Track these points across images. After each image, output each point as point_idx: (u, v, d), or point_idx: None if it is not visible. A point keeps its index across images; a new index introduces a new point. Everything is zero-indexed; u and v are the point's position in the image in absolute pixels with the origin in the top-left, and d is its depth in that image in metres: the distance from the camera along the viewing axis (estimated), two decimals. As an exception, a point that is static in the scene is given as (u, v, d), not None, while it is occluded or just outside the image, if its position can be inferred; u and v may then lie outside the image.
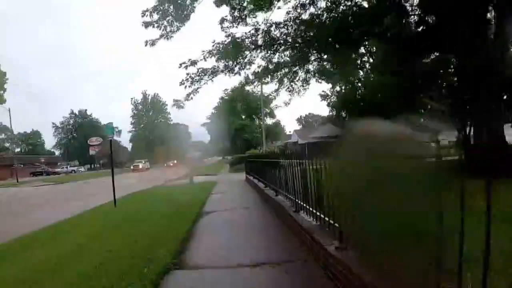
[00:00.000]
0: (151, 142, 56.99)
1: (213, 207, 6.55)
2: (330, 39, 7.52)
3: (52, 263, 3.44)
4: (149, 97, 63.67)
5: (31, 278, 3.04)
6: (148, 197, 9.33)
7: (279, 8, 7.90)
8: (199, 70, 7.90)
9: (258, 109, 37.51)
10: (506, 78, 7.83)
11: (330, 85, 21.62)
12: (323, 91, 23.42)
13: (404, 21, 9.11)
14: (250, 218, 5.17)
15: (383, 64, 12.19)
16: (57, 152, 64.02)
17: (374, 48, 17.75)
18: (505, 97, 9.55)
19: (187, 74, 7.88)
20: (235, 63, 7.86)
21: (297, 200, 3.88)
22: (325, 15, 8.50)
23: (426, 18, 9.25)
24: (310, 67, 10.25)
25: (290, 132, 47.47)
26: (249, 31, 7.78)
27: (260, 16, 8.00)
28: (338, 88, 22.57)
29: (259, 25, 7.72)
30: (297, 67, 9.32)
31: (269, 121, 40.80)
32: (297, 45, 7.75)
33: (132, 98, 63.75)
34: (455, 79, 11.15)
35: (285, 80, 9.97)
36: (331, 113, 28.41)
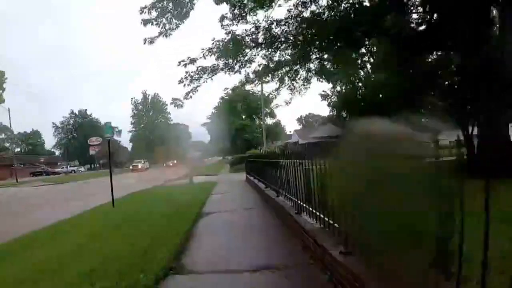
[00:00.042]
0: (151, 142, 56.95)
1: (213, 208, 6.49)
2: (331, 38, 7.47)
3: (50, 264, 3.40)
4: (149, 97, 63.65)
5: (30, 278, 3.00)
6: (147, 198, 9.27)
7: (279, 6, 7.86)
8: (199, 69, 7.85)
9: (258, 109, 37.47)
10: (507, 78, 7.77)
11: (330, 85, 21.58)
12: (323, 91, 23.38)
13: (405, 20, 9.06)
14: (250, 219, 5.11)
15: (384, 64, 12.14)
16: (57, 152, 64.01)
17: (375, 48, 17.78)
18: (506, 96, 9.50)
19: (186, 72, 7.85)
20: (235, 61, 7.80)
21: (298, 202, 3.83)
22: (326, 13, 8.45)
23: (427, 17, 9.20)
24: (312, 66, 10.21)
25: (290, 132, 47.47)
26: (250, 29, 7.76)
27: (261, 14, 7.97)
28: (338, 88, 22.54)
29: (260, 23, 7.70)
30: (298, 66, 9.25)
31: (269, 121, 40.77)
32: (298, 43, 7.69)
33: (132, 98, 63.79)
34: (457, 78, 11.09)
35: (286, 79, 9.91)
36: (331, 113, 28.40)
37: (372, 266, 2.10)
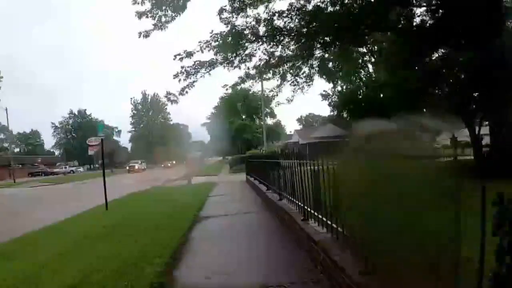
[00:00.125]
0: (150, 142, 56.52)
1: (211, 212, 6.08)
2: (335, 32, 7.06)
3: (20, 280, 2.95)
4: (149, 97, 63.25)
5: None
6: (142, 200, 8.84)
7: (281, -1, 7.41)
8: (196, 63, 7.41)
9: (258, 109, 37.12)
10: None
11: (331, 85, 21.28)
12: (324, 91, 23.05)
13: (412, 13, 8.68)
14: (251, 226, 4.68)
15: (388, 61, 11.73)
16: (56, 152, 63.70)
17: (376, 47, 17.48)
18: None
19: (182, 67, 7.41)
20: (234, 55, 7.38)
21: (305, 207, 3.41)
22: (329, 8, 8.05)
23: (436, 8, 8.79)
24: (314, 62, 9.81)
25: (290, 132, 47.06)
26: (250, 22, 7.34)
27: (261, 8, 7.55)
28: (339, 88, 22.23)
29: (260, 16, 7.27)
30: (301, 62, 8.85)
31: (269, 121, 40.41)
32: (301, 37, 7.28)
33: (131, 98, 63.37)
34: (465, 75, 10.66)
35: (288, 75, 9.51)
36: (332, 113, 28.13)
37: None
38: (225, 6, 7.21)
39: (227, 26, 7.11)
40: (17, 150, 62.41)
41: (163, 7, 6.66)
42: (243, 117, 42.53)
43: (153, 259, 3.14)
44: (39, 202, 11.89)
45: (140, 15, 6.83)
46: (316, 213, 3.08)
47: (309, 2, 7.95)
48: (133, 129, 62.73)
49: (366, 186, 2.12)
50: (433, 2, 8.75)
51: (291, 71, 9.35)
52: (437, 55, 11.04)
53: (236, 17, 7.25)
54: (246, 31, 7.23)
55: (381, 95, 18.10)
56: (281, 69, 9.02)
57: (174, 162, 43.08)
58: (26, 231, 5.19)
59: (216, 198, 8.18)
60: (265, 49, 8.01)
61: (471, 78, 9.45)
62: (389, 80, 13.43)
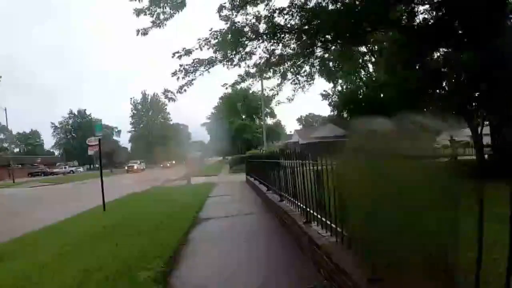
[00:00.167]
0: (150, 142, 56.38)
1: (210, 213, 5.95)
2: (337, 29, 6.93)
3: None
4: (149, 97, 63.09)
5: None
6: (141, 200, 8.71)
7: (282, -4, 7.26)
8: (195, 61, 7.26)
9: (258, 109, 36.99)
10: None
11: (331, 85, 21.20)
12: (324, 91, 22.95)
13: (414, 11, 8.54)
14: (252, 228, 4.55)
15: (390, 60, 11.60)
16: (56, 152, 63.58)
17: (376, 47, 17.39)
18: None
19: (180, 65, 7.24)
20: (234, 52, 7.23)
21: (308, 209, 3.29)
22: (330, 6, 7.92)
23: (438, 6, 8.66)
24: (315, 61, 9.67)
25: (291, 132, 46.94)
26: (250, 20, 7.18)
27: (261, 6, 7.41)
28: (339, 88, 22.14)
29: (260, 14, 7.12)
30: (302, 61, 8.72)
31: (269, 121, 40.29)
32: (302, 34, 7.14)
33: (131, 98, 63.22)
34: (465, 75, 10.54)
35: (289, 74, 9.37)
36: (332, 113, 28.07)
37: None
38: (224, 3, 7.08)
39: (227, 23, 6.98)
40: (16, 150, 62.34)
41: (161, 4, 6.54)
42: (243, 117, 42.40)
43: (148, 263, 3.02)
44: (37, 202, 11.77)
45: (138, 12, 6.70)
46: (319, 216, 2.95)
47: (310, 0, 7.81)
48: (133, 129, 62.59)
49: (373, 188, 2.00)
50: (435, 0, 8.63)
51: (292, 69, 9.22)
52: (438, 55, 10.94)
53: (236, 15, 7.12)
54: (246, 29, 7.10)
55: (381, 95, 18.03)
56: (281, 67, 8.89)
57: (173, 162, 42.95)
58: (15, 235, 5.01)
59: (215, 198, 8.06)
60: (266, 48, 7.90)
61: (472, 77, 9.34)
62: (390, 80, 13.33)
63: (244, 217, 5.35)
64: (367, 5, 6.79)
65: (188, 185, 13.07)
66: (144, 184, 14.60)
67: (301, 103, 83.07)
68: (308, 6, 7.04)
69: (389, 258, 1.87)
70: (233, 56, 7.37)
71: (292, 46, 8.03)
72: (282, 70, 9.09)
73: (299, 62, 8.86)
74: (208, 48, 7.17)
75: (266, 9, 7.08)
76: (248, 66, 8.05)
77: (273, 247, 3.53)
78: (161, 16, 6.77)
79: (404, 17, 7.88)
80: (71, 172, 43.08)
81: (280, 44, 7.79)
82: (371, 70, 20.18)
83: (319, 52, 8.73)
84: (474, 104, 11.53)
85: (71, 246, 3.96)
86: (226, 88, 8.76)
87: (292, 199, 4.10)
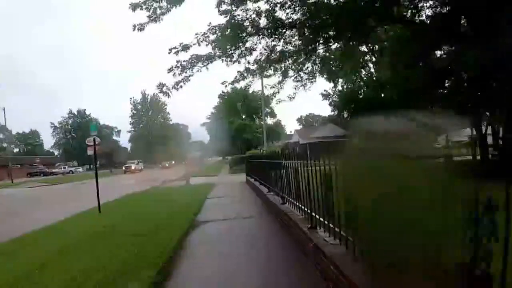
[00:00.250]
0: (150, 142, 56.15)
1: (208, 216, 5.71)
2: (340, 24, 6.68)
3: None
4: (148, 97, 62.82)
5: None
6: (138, 201, 8.47)
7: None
8: (192, 57, 7.00)
9: (258, 109, 36.75)
10: None
11: (331, 84, 20.99)
12: (324, 90, 22.74)
13: (419, 6, 8.30)
14: (252, 232, 4.29)
15: (393, 59, 11.36)
16: (56, 152, 63.37)
17: (376, 46, 17.19)
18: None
19: (177, 61, 6.97)
20: (233, 48, 6.97)
21: (313, 213, 3.05)
22: (332, 1, 7.67)
23: (443, 2, 8.42)
24: (317, 59, 9.41)
25: (291, 132, 46.71)
26: (250, 16, 6.91)
27: (262, 2, 7.16)
28: (340, 88, 21.96)
29: (261, 9, 6.86)
30: (304, 58, 8.46)
31: (269, 121, 40.06)
32: (305, 29, 6.87)
33: (131, 98, 62.96)
34: (469, 74, 10.32)
35: (290, 72, 9.12)
36: (333, 113, 27.90)
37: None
38: (224, -2, 6.80)
39: (226, 17, 6.70)
40: (16, 150, 62.14)
41: (159, -1, 6.30)
42: (243, 117, 42.16)
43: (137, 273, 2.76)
44: (31, 203, 11.54)
45: (134, 7, 6.47)
46: (325, 221, 2.70)
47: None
48: (133, 129, 62.35)
49: (389, 192, 1.77)
50: None
51: (293, 66, 8.96)
52: (442, 53, 10.73)
53: (236, 9, 6.86)
54: (246, 23, 6.83)
55: (382, 95, 17.83)
56: (282, 65, 8.65)
57: (172, 162, 42.70)
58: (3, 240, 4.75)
59: (215, 200, 7.82)
60: (266, 45, 7.65)
61: (476, 76, 9.13)
62: (392, 80, 13.13)
63: (244, 220, 5.10)
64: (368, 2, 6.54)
65: (187, 185, 12.84)
66: (143, 184, 14.36)
67: (301, 102, 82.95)
68: (311, 1, 6.78)
69: (409, 273, 1.64)
70: (232, 51, 7.11)
71: (293, 42, 7.79)
72: (283, 68, 8.85)
73: (301, 59, 8.60)
74: (206, 45, 6.93)
75: (268, 3, 6.82)
76: (248, 62, 7.81)
77: (276, 255, 3.27)
78: (158, 11, 6.53)
79: (409, 12, 7.63)
80: (70, 172, 42.87)
81: (282, 41, 7.54)
82: (371, 69, 20.00)
83: (321, 48, 8.48)
84: (478, 103, 11.33)
85: (56, 254, 3.68)
86: (226, 86, 8.52)
87: (295, 202, 3.85)
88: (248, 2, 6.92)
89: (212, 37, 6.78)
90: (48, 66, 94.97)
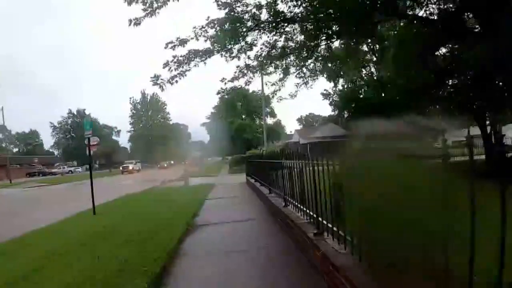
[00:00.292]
0: (150, 142, 55.90)
1: (207, 218, 5.44)
2: (344, 20, 6.41)
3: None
4: (148, 97, 62.60)
5: None
6: (135, 202, 8.20)
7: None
8: (190, 51, 6.70)
9: (258, 108, 36.46)
10: None
11: (332, 84, 20.78)
12: (325, 90, 22.52)
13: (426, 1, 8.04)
14: (254, 238, 4.00)
15: (397, 57, 11.11)
16: (56, 152, 63.17)
17: (377, 46, 16.95)
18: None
19: (174, 56, 6.63)
20: (232, 42, 6.68)
21: (319, 218, 2.78)
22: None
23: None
24: (319, 56, 9.13)
25: (291, 132, 46.49)
26: (250, 10, 6.62)
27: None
28: (340, 87, 21.77)
29: (261, 3, 6.55)
30: (306, 55, 8.18)
31: (270, 120, 39.80)
32: (308, 22, 6.59)
33: (131, 98, 62.72)
34: (474, 73, 10.07)
35: (292, 69, 8.84)
36: (333, 112, 27.73)
37: None
38: (224, -10, 6.52)
39: (225, 8, 6.39)
40: (16, 150, 61.93)
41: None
42: (243, 116, 41.91)
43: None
44: (25, 205, 11.26)
45: (129, 0, 6.19)
46: (335, 228, 2.43)
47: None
48: (132, 129, 62.12)
49: (419, 197, 1.53)
50: None
51: (295, 62, 8.68)
52: (444, 52, 10.51)
53: (235, 1, 6.55)
54: (246, 16, 6.53)
55: (383, 94, 17.60)
56: (284, 62, 8.37)
57: (171, 162, 42.43)
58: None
59: (214, 201, 7.55)
60: (267, 41, 7.37)
61: (481, 75, 8.89)
62: (395, 79, 12.88)
63: (245, 224, 4.82)
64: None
65: (185, 186, 12.57)
66: (142, 185, 14.11)
67: (301, 101, 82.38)
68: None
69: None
70: (232, 45, 6.82)
71: (295, 39, 7.51)
72: (284, 65, 8.57)
73: (303, 56, 8.31)
74: (205, 40, 6.64)
75: None
76: (249, 57, 7.51)
77: (281, 266, 2.98)
78: (154, 4, 6.26)
79: (415, 6, 7.37)
80: (69, 172, 42.63)
81: (283, 36, 7.26)
82: (372, 69, 19.82)
83: (324, 44, 8.20)
84: (481, 103, 11.13)
85: (42, 261, 3.40)
86: (225, 83, 8.24)
87: (299, 205, 3.58)
88: (248, -5, 6.64)
89: (211, 31, 6.51)
90: (48, 66, 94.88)
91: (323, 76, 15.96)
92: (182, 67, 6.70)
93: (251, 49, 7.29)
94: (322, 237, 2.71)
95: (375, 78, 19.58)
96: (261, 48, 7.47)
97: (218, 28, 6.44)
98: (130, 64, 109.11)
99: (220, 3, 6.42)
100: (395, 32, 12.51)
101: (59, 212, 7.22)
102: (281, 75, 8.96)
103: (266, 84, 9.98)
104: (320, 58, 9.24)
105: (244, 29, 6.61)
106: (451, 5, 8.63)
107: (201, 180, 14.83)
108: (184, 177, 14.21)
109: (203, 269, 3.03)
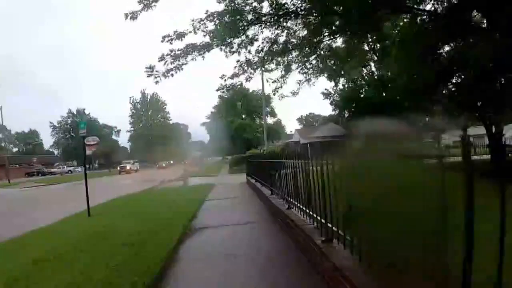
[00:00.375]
0: (150, 141, 55.68)
1: (206, 221, 5.21)
2: (348, 15, 6.18)
3: None
4: (148, 96, 62.39)
5: None
6: (133, 203, 7.96)
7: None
8: (188, 46, 6.45)
9: (259, 108, 36.23)
10: None
11: (332, 84, 20.57)
12: (325, 89, 22.33)
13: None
14: (255, 243, 3.75)
15: (400, 55, 10.87)
16: (55, 152, 63.02)
17: (378, 45, 16.74)
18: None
19: (171, 50, 6.38)
20: (232, 35, 6.43)
21: (328, 224, 2.53)
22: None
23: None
24: (322, 53, 8.89)
25: (291, 131, 46.26)
26: (251, 3, 6.36)
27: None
28: (341, 86, 21.57)
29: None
30: (309, 51, 7.95)
31: (270, 120, 39.60)
32: (311, 16, 6.34)
33: (130, 98, 62.51)
34: (480, 71, 9.83)
35: (294, 65, 8.61)
36: (334, 112, 27.55)
37: None
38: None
39: (225, 0, 6.13)
40: (15, 149, 61.77)
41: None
42: (243, 116, 41.69)
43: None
44: (22, 205, 11.04)
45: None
46: (347, 236, 2.19)
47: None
48: (132, 128, 61.93)
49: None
50: None
51: (298, 58, 8.44)
52: (448, 49, 10.32)
53: (235, -1, 6.31)
54: (247, 8, 6.27)
55: (384, 94, 17.40)
56: (285, 58, 8.14)
57: (171, 162, 42.19)
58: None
59: (213, 202, 7.31)
60: (268, 37, 7.12)
61: (478, 76, 8.69)
62: (396, 78, 12.69)
63: (246, 227, 4.58)
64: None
65: (184, 186, 12.35)
66: (141, 185, 13.90)
67: (301, 101, 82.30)
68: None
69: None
70: (232, 39, 6.58)
71: (297, 35, 7.26)
72: (286, 62, 8.33)
73: (306, 52, 8.07)
74: (204, 35, 6.40)
75: None
76: (249, 52, 7.26)
77: (288, 276, 2.73)
78: (151, -2, 6.00)
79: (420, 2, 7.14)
80: (69, 172, 42.43)
81: (285, 31, 7.02)
82: (373, 68, 19.63)
83: (327, 41, 7.96)
84: (485, 102, 10.95)
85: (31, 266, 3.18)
86: (225, 80, 7.99)
87: (304, 208, 3.34)
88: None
89: (210, 25, 6.25)
90: (48, 66, 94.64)
91: (323, 75, 15.75)
92: (179, 60, 6.45)
93: (252, 44, 7.06)
94: (331, 244, 2.47)
95: (376, 77, 19.39)
96: (262, 43, 7.27)
97: (217, 21, 6.19)
98: (130, 64, 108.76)
99: (219, -1, 6.18)
100: (397, 31, 12.31)
101: (54, 213, 7.01)
102: (283, 72, 8.73)
103: (267, 81, 9.73)
104: (321, 57, 9.00)
105: (245, 23, 6.37)
106: (455, 0, 8.43)
107: (200, 180, 14.60)
108: (183, 177, 13.97)
109: (204, 271, 2.79)
